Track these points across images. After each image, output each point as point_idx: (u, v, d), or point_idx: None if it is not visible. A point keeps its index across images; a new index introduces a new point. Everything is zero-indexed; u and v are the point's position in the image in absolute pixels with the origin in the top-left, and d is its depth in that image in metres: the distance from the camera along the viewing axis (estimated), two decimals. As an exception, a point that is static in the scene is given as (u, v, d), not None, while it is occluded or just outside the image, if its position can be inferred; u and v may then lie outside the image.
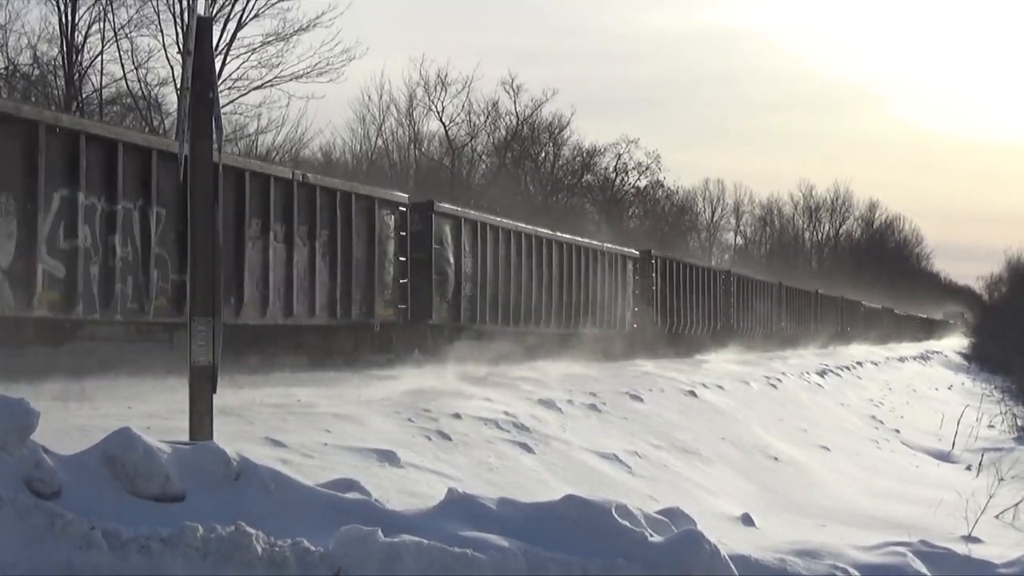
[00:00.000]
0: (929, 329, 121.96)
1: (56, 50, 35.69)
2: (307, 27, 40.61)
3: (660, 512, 8.94)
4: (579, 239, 31.58)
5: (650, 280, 35.22)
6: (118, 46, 36.26)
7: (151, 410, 12.01)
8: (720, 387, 25.76)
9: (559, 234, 30.02)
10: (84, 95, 36.08)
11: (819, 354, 51.50)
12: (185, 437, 8.98)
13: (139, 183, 15.22)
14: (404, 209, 22.24)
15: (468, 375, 20.61)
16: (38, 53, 36.08)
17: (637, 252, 35.14)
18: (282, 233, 18.37)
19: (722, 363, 34.13)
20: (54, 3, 35.65)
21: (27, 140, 13.54)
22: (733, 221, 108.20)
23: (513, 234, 26.68)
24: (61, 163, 14.01)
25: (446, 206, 24.22)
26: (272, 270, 17.99)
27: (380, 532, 7.19)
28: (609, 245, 33.76)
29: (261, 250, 17.78)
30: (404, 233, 22.11)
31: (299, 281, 18.73)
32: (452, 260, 23.78)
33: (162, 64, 50.76)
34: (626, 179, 73.18)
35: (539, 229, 28.94)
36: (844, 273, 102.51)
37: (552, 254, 28.71)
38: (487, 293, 25.18)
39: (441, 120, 62.74)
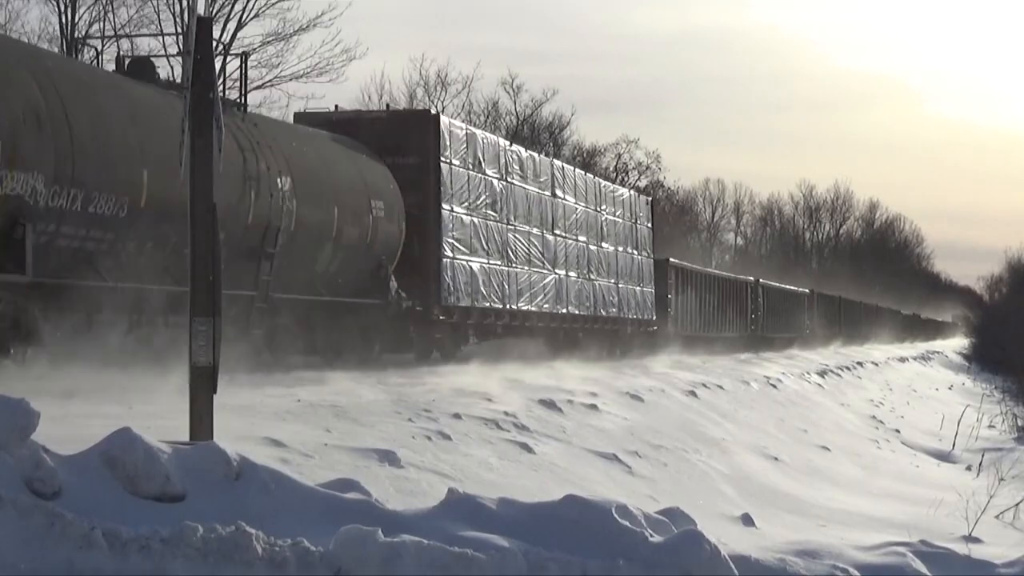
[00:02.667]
0: (938, 330, 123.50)
1: (56, 50, 35.69)
2: (307, 27, 40.63)
3: (660, 512, 8.93)
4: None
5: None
6: (118, 46, 36.30)
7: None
8: (720, 387, 25.77)
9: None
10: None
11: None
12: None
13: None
14: (752, 283, 53.70)
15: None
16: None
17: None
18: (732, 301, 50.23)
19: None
20: (54, 3, 35.69)
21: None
22: (733, 221, 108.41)
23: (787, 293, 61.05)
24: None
25: (763, 281, 56.61)
26: (725, 315, 48.08)
27: (380, 532, 7.19)
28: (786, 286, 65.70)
29: (726, 307, 48.31)
30: (751, 293, 52.66)
31: (729, 319, 48.67)
32: (760, 302, 53.86)
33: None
34: (626, 179, 73.22)
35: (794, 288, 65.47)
36: (845, 273, 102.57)
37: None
38: (773, 316, 56.56)
39: (441, 120, 62.74)
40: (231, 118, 17.52)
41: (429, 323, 23.55)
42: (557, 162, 32.18)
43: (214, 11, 37.20)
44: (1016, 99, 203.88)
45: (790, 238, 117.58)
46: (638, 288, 36.30)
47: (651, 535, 7.79)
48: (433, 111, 31.61)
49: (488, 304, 25.70)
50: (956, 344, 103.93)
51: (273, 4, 39.23)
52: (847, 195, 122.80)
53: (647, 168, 74.94)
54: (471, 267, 24.98)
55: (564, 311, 30.21)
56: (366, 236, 21.10)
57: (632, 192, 39.25)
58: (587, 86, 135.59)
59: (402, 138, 23.64)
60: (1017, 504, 16.73)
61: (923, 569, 8.76)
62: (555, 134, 67.64)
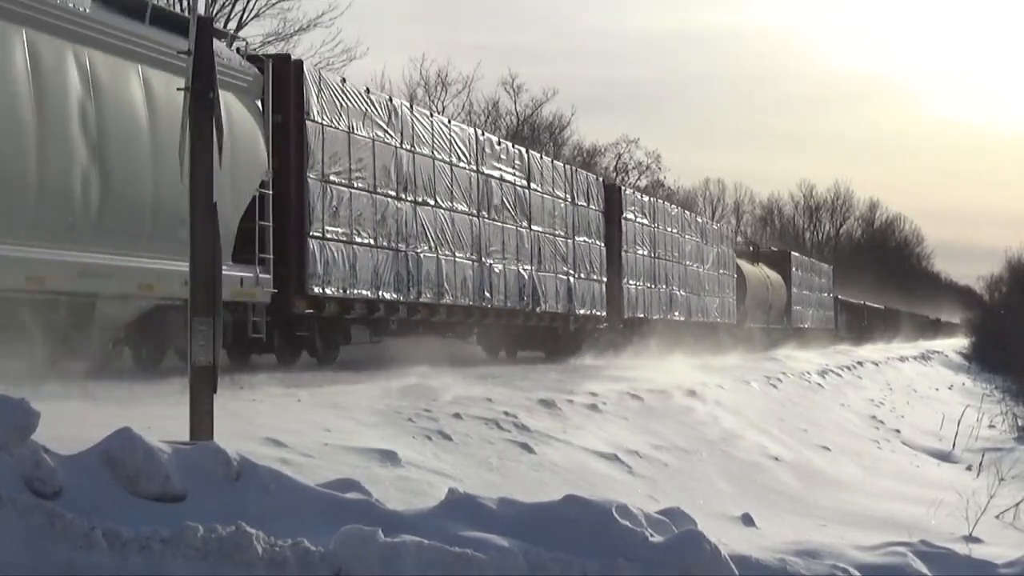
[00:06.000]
0: (946, 330, 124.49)
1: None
2: (307, 27, 40.71)
3: (660, 512, 8.92)
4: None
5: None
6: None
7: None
8: (720, 387, 25.75)
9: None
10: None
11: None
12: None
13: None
14: (861, 305, 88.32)
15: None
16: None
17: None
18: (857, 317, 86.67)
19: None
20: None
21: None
22: (733, 221, 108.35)
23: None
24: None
25: (867, 303, 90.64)
26: (853, 325, 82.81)
27: (380, 532, 7.19)
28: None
29: (853, 321, 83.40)
30: (863, 311, 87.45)
31: (854, 328, 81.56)
32: (865, 315, 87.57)
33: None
34: (626, 179, 73.24)
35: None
36: (845, 273, 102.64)
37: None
38: (869, 323, 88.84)
39: (441, 120, 62.72)
40: (753, 267, 47.39)
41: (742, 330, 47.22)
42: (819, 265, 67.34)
43: (214, 11, 37.20)
44: (1017, 100, 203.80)
45: (790, 238, 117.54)
46: (830, 314, 65.96)
47: (651, 535, 7.79)
48: (787, 250, 65.73)
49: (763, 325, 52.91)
50: (956, 344, 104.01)
51: (273, 4, 39.30)
52: (847, 195, 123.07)
53: (647, 168, 75.12)
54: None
55: (796, 327, 57.43)
56: (768, 301, 51.01)
57: (827, 266, 69.24)
58: (587, 86, 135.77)
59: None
60: (1017, 504, 16.73)
61: (923, 569, 8.76)
62: (555, 134, 67.69)
